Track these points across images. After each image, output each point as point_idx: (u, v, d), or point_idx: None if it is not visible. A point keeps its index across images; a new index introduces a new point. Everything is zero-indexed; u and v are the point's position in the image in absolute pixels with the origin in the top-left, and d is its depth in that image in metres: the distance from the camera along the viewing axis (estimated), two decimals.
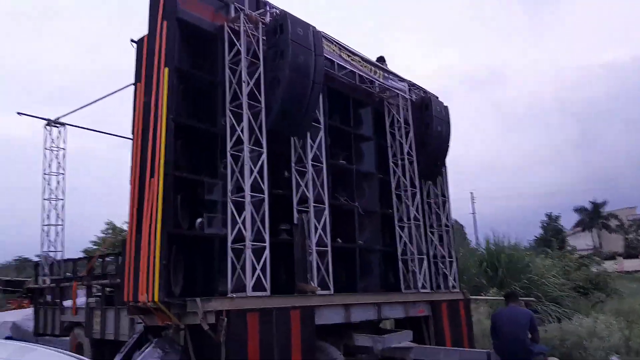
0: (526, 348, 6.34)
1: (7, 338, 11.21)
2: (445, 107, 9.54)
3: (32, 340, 11.53)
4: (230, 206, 5.95)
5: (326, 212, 6.97)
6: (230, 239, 5.85)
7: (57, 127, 11.85)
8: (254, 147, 6.15)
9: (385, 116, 9.19)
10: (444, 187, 9.85)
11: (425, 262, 8.72)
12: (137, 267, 5.69)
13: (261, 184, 6.14)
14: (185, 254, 5.99)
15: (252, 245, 5.82)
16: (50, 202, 11.50)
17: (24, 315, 12.05)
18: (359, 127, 8.91)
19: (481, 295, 14.15)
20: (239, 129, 6.12)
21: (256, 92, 6.37)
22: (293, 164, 7.00)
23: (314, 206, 6.90)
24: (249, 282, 5.68)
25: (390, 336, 7.36)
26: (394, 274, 8.64)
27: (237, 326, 5.37)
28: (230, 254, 5.82)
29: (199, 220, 5.96)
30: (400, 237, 8.70)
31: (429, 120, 9.15)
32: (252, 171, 6.02)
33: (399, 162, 8.97)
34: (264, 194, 6.10)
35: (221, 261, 5.91)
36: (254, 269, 5.78)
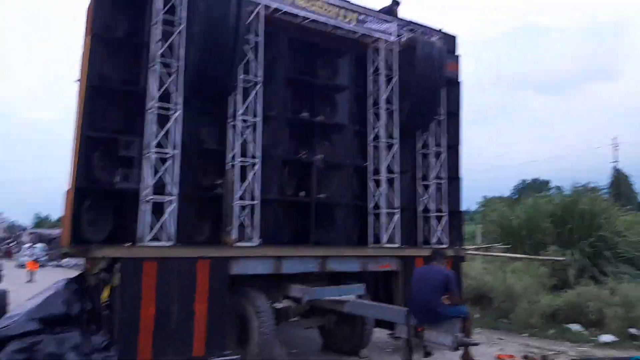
0: (434, 310, 5.95)
1: None
2: (440, 48, 8.69)
3: None
4: (143, 162, 6.39)
5: (257, 166, 7.06)
6: (142, 193, 6.33)
7: None
8: (166, 105, 6.45)
9: (368, 62, 8.71)
10: (440, 137, 9.13)
11: (397, 217, 8.34)
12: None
13: (172, 141, 6.45)
14: (109, 206, 6.62)
15: (154, 198, 6.23)
16: None
17: None
18: (334, 77, 8.59)
19: (540, 255, 12.94)
20: (152, 89, 6.44)
21: (178, 51, 6.60)
22: (228, 120, 7.13)
23: (243, 161, 7.01)
24: (147, 232, 6.14)
25: (326, 289, 7.35)
26: (365, 228, 8.44)
27: (130, 273, 5.90)
28: (141, 206, 6.31)
29: (117, 175, 6.51)
30: (374, 190, 8.42)
31: (414, 64, 8.47)
32: (159, 129, 6.35)
33: (380, 111, 8.54)
34: (172, 151, 6.41)
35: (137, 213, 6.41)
36: (156, 220, 6.22)
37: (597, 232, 13.22)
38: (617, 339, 8.46)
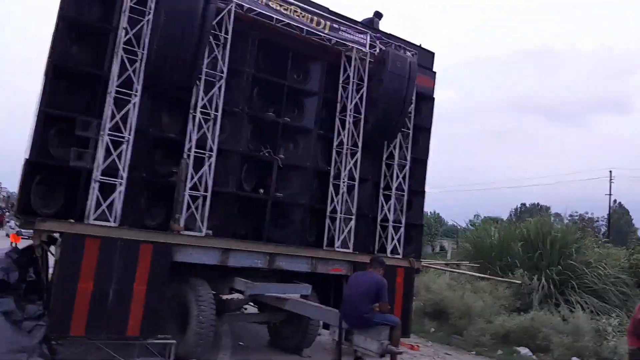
0: (362, 315, 6.08)
1: None
2: (411, 64, 8.86)
3: None
4: (98, 144, 6.58)
5: (212, 159, 7.23)
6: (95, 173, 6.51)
7: None
8: (126, 90, 6.64)
9: (341, 71, 8.90)
10: (405, 151, 9.28)
11: (352, 222, 8.49)
12: None
13: (129, 126, 6.64)
14: (62, 182, 6.77)
15: (103, 179, 6.40)
16: None
17: None
18: (305, 81, 8.78)
19: (499, 277, 13.04)
20: (114, 74, 6.64)
21: (144, 40, 6.81)
22: (190, 112, 7.31)
23: (198, 152, 7.16)
24: (93, 211, 6.31)
25: (271, 285, 7.50)
26: (321, 231, 8.59)
27: (70, 247, 6.08)
28: (93, 185, 6.49)
29: (72, 154, 6.68)
30: (334, 195, 8.58)
31: (382, 77, 8.65)
32: (116, 113, 6.54)
33: (346, 119, 8.72)
34: (127, 136, 6.59)
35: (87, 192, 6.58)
36: (104, 201, 6.39)
37: (566, 260, 13.30)
38: None
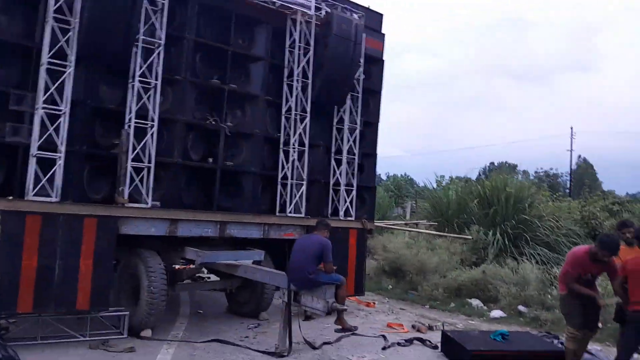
0: (307, 277, 6.23)
1: None
2: (357, 26, 8.82)
3: None
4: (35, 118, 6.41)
5: (154, 129, 7.14)
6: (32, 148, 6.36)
7: None
8: (60, 62, 6.45)
9: (287, 34, 8.79)
10: (355, 114, 9.33)
11: (303, 187, 8.57)
12: None
13: (65, 98, 6.47)
14: (1, 159, 6.60)
15: (40, 154, 6.27)
16: None
17: None
18: (250, 46, 8.65)
19: (455, 234, 13.43)
20: (45, 44, 6.42)
21: (76, 8, 6.57)
22: (129, 81, 7.15)
23: (140, 123, 7.05)
24: (32, 187, 6.20)
25: (222, 252, 7.58)
26: (274, 197, 8.66)
27: (11, 225, 6.00)
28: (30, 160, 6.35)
29: (7, 129, 6.51)
30: (284, 161, 8.62)
31: (328, 40, 8.59)
32: (50, 86, 6.36)
33: (293, 84, 8.68)
34: (64, 108, 6.44)
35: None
36: (44, 176, 6.28)
37: (520, 215, 13.74)
38: (505, 315, 8.94)
